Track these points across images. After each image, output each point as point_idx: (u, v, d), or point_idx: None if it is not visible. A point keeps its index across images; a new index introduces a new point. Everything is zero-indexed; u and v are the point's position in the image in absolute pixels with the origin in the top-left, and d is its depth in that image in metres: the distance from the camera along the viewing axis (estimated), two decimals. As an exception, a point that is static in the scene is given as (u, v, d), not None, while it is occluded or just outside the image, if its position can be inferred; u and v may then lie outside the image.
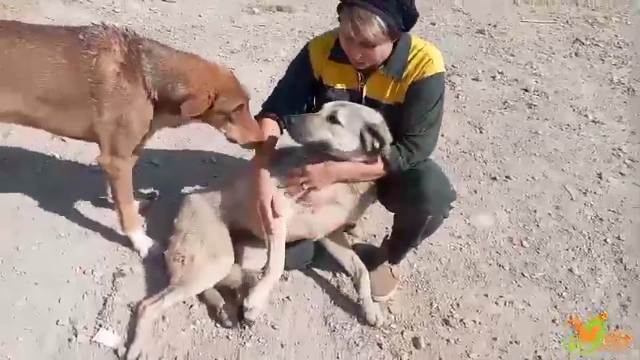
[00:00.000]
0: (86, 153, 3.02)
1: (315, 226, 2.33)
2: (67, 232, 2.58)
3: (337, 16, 2.09)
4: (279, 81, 2.43)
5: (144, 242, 2.48)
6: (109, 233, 2.58)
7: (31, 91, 2.15)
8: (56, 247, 2.50)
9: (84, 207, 2.73)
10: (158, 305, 2.17)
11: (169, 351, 2.12)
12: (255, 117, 2.33)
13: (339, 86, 2.28)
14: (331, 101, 2.24)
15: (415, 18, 2.04)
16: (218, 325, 2.23)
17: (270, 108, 2.36)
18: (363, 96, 2.26)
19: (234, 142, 2.27)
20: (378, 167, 2.19)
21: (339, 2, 2.06)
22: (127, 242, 2.51)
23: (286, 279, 2.44)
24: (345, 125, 2.13)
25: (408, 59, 2.15)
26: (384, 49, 2.08)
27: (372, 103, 2.23)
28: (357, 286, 2.39)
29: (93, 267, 2.41)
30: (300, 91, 2.35)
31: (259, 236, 2.31)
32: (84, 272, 2.39)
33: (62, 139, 3.03)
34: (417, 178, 2.14)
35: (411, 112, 2.18)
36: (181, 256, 2.26)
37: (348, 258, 2.44)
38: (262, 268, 2.20)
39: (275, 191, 2.19)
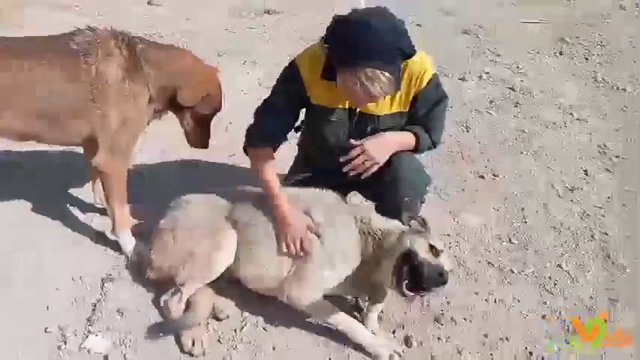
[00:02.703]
0: (72, 158, 3.00)
1: None
2: (54, 239, 2.56)
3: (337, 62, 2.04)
4: (269, 102, 2.32)
5: (132, 245, 2.46)
6: (96, 239, 2.56)
7: (27, 109, 2.14)
8: (44, 255, 2.47)
9: (71, 213, 2.71)
10: (179, 298, 2.19)
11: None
12: (249, 145, 2.35)
13: (330, 105, 2.24)
14: (324, 121, 2.26)
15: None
16: (209, 328, 2.22)
17: (266, 134, 2.29)
18: (356, 112, 2.25)
19: (187, 138, 2.53)
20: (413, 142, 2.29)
21: (337, 58, 2.02)
22: (115, 247, 2.49)
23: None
24: None
25: (403, 75, 2.16)
26: None
27: (365, 118, 2.24)
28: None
29: (81, 273, 2.39)
30: (292, 112, 2.32)
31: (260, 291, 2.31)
32: (72, 278, 2.37)
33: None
34: (391, 165, 2.24)
35: (421, 113, 2.28)
36: (180, 257, 2.21)
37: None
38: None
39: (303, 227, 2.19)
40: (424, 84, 2.19)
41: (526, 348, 2.29)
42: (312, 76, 2.17)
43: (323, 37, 2.14)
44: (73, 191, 2.85)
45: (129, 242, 2.46)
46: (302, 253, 2.18)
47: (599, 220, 3.09)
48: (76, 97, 2.13)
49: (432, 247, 2.05)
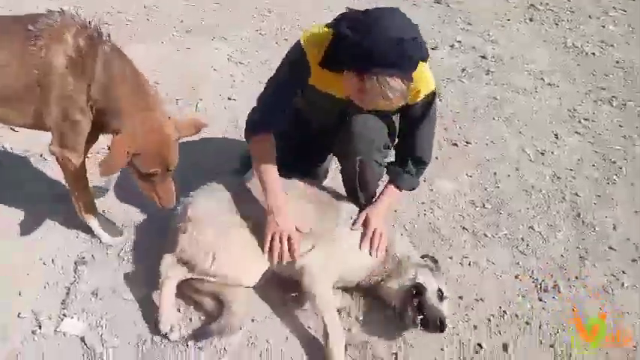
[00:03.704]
0: (38, 141, 2.92)
1: None
2: (23, 224, 2.49)
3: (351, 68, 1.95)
4: (274, 87, 2.25)
5: (103, 228, 2.42)
6: (67, 222, 2.50)
7: None
8: (12, 240, 2.41)
9: (38, 197, 2.63)
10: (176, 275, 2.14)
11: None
12: (250, 132, 2.28)
13: (327, 91, 2.21)
14: (315, 97, 2.23)
15: None
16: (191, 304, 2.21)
17: (269, 124, 2.26)
18: (349, 102, 2.19)
19: None
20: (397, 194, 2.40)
21: (355, 61, 1.91)
22: (87, 229, 2.44)
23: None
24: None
25: None
26: None
27: (356, 107, 2.19)
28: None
29: (53, 257, 2.35)
30: (295, 93, 2.27)
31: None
32: (44, 263, 2.33)
33: (12, 129, 2.92)
34: (348, 124, 2.28)
35: (415, 134, 2.27)
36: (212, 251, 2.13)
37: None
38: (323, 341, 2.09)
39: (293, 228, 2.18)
40: (417, 99, 2.17)
41: (500, 307, 2.36)
42: (314, 60, 2.12)
43: (329, 26, 2.06)
44: (39, 175, 2.78)
45: (98, 226, 2.41)
46: (284, 251, 2.16)
47: (569, 182, 3.15)
48: (26, 81, 2.03)
49: (439, 290, 2.18)
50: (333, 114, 2.34)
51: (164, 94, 3.44)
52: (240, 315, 2.13)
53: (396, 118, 2.35)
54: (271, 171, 2.23)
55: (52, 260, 2.34)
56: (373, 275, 2.25)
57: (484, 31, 4.92)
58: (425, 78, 2.14)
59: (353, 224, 2.30)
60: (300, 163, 2.58)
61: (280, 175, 2.27)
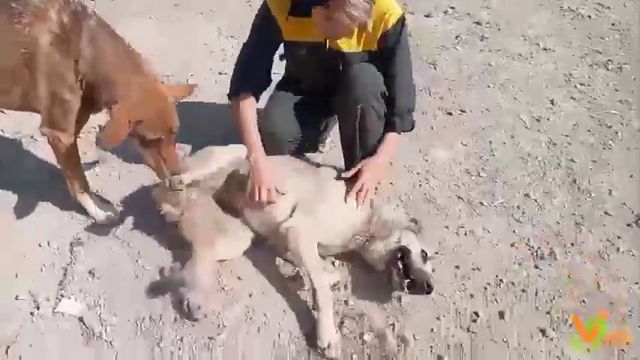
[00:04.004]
0: (28, 123, 2.88)
1: None
2: (17, 207, 2.48)
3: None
4: (247, 47, 2.42)
5: (98, 207, 2.41)
6: (60, 204, 2.48)
7: None
8: (7, 223, 2.40)
9: (31, 179, 2.61)
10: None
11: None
12: (231, 94, 2.41)
13: (300, 39, 2.33)
14: (297, 56, 2.38)
15: None
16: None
17: (247, 81, 2.40)
18: (327, 48, 2.34)
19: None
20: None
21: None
22: (81, 210, 2.43)
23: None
24: None
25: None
26: None
27: (334, 54, 2.33)
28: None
29: (48, 239, 2.34)
30: (269, 53, 2.41)
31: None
32: (39, 245, 2.32)
33: (1, 111, 2.88)
34: (347, 74, 2.35)
35: (395, 70, 2.37)
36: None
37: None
38: (312, 307, 2.11)
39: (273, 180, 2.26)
40: (389, 25, 2.28)
41: (497, 276, 2.37)
42: (280, 14, 2.27)
43: None
44: (31, 157, 2.75)
45: (92, 206, 2.40)
46: (265, 202, 2.23)
47: (565, 149, 3.13)
48: (12, 61, 1.99)
49: (423, 251, 2.22)
50: (315, 64, 2.41)
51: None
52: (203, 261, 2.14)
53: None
54: (252, 131, 2.35)
55: (48, 242, 2.33)
56: (357, 235, 2.25)
57: (478, -4, 4.82)
58: (391, 3, 2.28)
59: (344, 173, 2.39)
60: (301, 129, 2.59)
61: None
